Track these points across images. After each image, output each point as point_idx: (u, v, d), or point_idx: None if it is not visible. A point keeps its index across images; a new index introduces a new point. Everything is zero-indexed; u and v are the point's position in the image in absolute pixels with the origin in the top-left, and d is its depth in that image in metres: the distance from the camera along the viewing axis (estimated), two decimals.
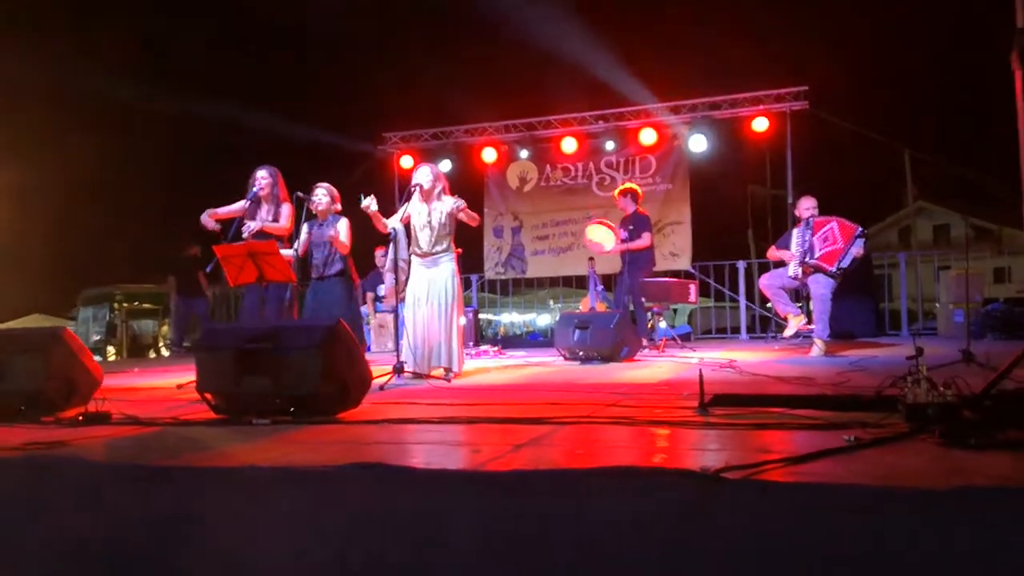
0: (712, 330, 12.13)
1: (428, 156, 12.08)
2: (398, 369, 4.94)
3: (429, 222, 5.33)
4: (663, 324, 8.66)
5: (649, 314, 8.36)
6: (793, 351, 7.11)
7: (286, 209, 5.82)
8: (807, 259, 6.59)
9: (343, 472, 2.09)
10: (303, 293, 5.97)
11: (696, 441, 2.46)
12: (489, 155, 12.49)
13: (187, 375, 5.40)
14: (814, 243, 6.59)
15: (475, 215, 5.53)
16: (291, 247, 5.72)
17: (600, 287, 11.64)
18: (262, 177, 5.73)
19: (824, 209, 6.87)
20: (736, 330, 11.51)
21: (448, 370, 5.26)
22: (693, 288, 8.69)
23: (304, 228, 5.77)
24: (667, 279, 8.97)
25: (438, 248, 5.35)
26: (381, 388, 4.46)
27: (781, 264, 6.91)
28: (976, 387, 2.48)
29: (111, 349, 14.62)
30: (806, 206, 6.85)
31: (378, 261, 9.97)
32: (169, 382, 5.54)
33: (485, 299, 13.84)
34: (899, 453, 2.10)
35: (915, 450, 2.13)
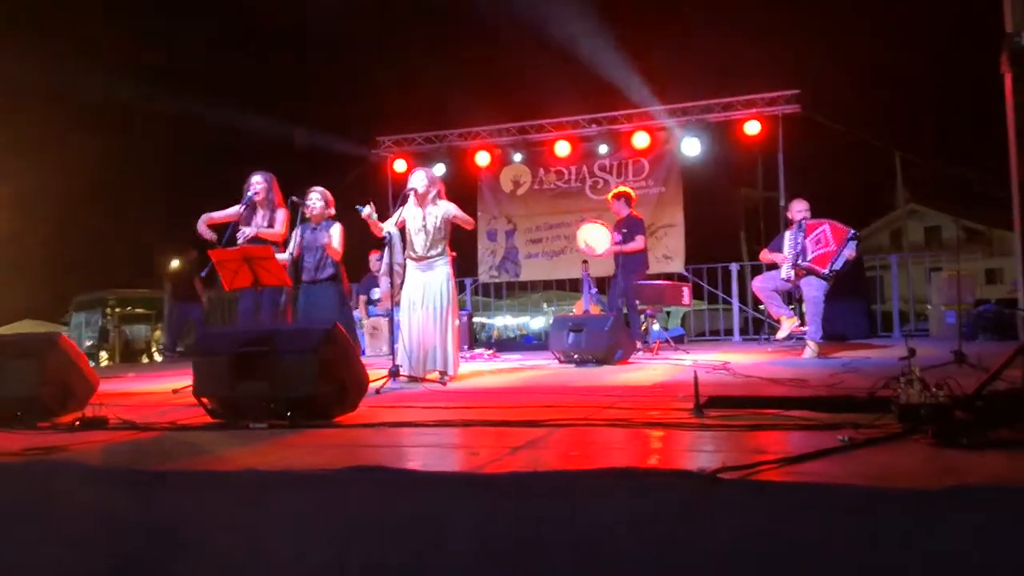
0: (705, 332, 12.17)
1: (421, 160, 12.09)
2: (394, 373, 4.95)
3: (424, 226, 5.35)
4: (656, 327, 8.69)
5: (643, 317, 8.39)
6: (786, 353, 7.15)
7: (281, 215, 5.83)
8: (800, 261, 6.62)
9: (342, 475, 2.10)
10: (295, 296, 5.98)
11: (692, 442, 2.49)
12: (482, 159, 12.52)
13: (182, 380, 5.40)
14: (807, 245, 6.63)
15: (469, 219, 5.55)
16: (286, 252, 5.73)
17: (594, 290, 11.66)
18: (257, 182, 5.74)
19: (816, 212, 6.91)
20: (729, 332, 11.56)
21: (443, 373, 5.27)
22: (686, 291, 8.73)
23: (297, 231, 5.78)
24: (660, 282, 9.01)
25: (433, 252, 5.37)
26: (377, 392, 4.47)
27: (774, 267, 6.95)
28: (968, 388, 2.51)
29: (104, 354, 14.59)
30: (798, 209, 6.89)
31: (372, 265, 9.98)
32: (164, 387, 5.54)
33: (479, 302, 13.85)
34: (892, 453, 2.12)
35: (908, 450, 2.15)
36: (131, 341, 14.78)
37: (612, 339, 6.48)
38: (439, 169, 11.95)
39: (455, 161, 12.61)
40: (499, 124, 12.53)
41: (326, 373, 3.18)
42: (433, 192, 5.41)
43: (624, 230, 8.15)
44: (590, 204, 11.79)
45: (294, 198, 5.74)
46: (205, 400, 3.35)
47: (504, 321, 18.30)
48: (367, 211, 5.27)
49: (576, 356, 6.60)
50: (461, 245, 5.73)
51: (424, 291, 5.33)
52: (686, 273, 11.42)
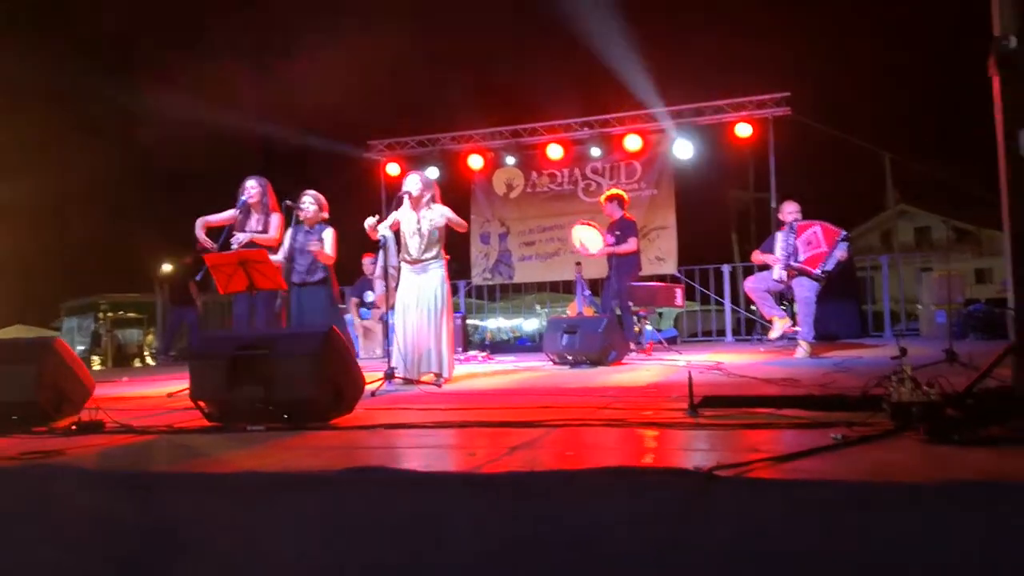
0: (698, 333, 12.22)
1: (414, 163, 12.10)
2: (389, 375, 4.97)
3: (419, 229, 5.37)
4: (648, 327, 8.73)
5: (636, 318, 8.42)
6: (778, 353, 7.19)
7: (275, 219, 5.84)
8: (791, 262, 6.67)
9: (341, 476, 2.11)
10: (288, 299, 5.99)
11: (687, 441, 2.51)
12: (475, 162, 12.54)
13: (177, 384, 5.40)
14: (798, 246, 6.67)
15: (462, 222, 5.57)
16: (279, 254, 5.74)
17: (587, 292, 11.70)
18: (251, 187, 5.75)
19: (807, 213, 6.96)
20: (722, 333, 11.60)
21: (438, 375, 5.29)
22: (679, 292, 8.77)
23: (289, 232, 5.79)
24: (653, 283, 9.04)
25: (427, 255, 5.39)
26: (373, 394, 4.49)
27: (766, 268, 6.99)
28: (959, 386, 2.54)
29: (96, 359, 14.55)
30: (789, 210, 6.94)
31: (366, 268, 9.99)
32: (159, 391, 5.54)
33: (472, 305, 13.87)
34: (885, 450, 2.15)
35: (900, 447, 2.18)
36: (123, 345, 14.74)
37: (606, 340, 6.50)
38: (433, 172, 11.97)
39: (448, 164, 12.62)
40: (491, 127, 12.55)
41: (323, 376, 3.19)
42: (428, 196, 5.43)
43: (617, 232, 8.19)
44: (583, 206, 11.82)
45: (288, 202, 5.75)
46: (202, 403, 3.35)
47: (497, 323, 18.31)
48: (372, 222, 5.30)
49: (570, 357, 6.63)
50: (455, 248, 5.76)
51: (419, 294, 5.35)
52: (678, 274, 11.46)
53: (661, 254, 11.66)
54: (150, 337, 15.06)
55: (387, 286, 5.51)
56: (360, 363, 3.81)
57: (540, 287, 13.41)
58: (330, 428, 3.15)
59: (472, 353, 9.22)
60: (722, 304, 11.34)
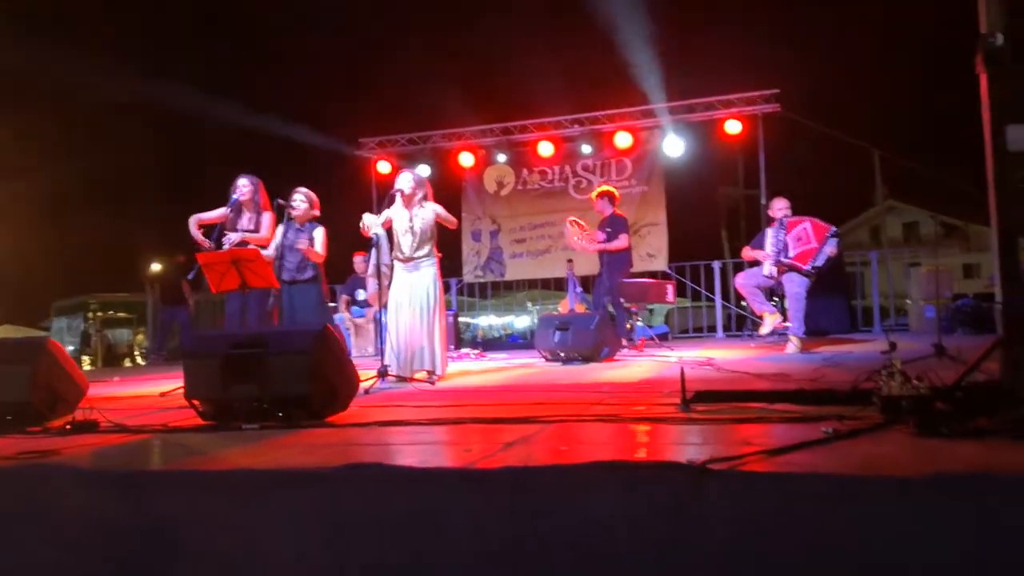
0: (689, 329, 12.28)
1: (405, 161, 12.11)
2: (382, 373, 4.98)
3: (411, 227, 5.38)
4: (640, 324, 8.76)
5: (627, 314, 8.45)
6: (769, 349, 7.23)
7: (267, 218, 5.84)
8: (782, 258, 6.71)
9: (337, 473, 2.13)
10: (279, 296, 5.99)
11: (680, 436, 2.53)
12: (466, 159, 12.55)
13: (169, 383, 5.40)
14: (788, 242, 6.72)
15: (452, 218, 5.58)
16: (270, 248, 5.74)
17: (579, 289, 11.74)
18: (243, 185, 5.74)
19: (796, 209, 7.00)
20: (712, 329, 11.67)
21: (432, 373, 5.30)
22: (670, 288, 8.80)
23: (280, 229, 5.79)
24: (645, 280, 9.08)
25: (420, 253, 5.40)
26: (366, 392, 4.49)
27: (756, 264, 7.03)
28: (948, 380, 2.58)
29: (86, 359, 14.50)
30: (779, 207, 6.98)
31: (357, 266, 9.99)
32: (151, 390, 5.53)
33: (464, 302, 13.89)
34: (875, 443, 2.18)
35: (891, 440, 2.21)
36: (113, 345, 14.70)
37: (598, 337, 6.53)
38: (424, 170, 11.98)
39: (439, 162, 12.63)
40: (482, 125, 12.57)
41: (317, 373, 3.20)
42: (420, 194, 5.44)
43: (608, 229, 8.21)
44: (574, 203, 11.85)
45: (280, 200, 5.75)
46: (196, 402, 3.36)
47: (489, 321, 18.33)
48: (368, 223, 5.31)
49: (562, 354, 6.65)
50: (446, 246, 5.77)
51: (411, 292, 5.36)
52: (669, 271, 11.51)
53: (652, 251, 11.70)
54: (140, 337, 15.01)
55: (380, 284, 5.51)
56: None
57: (531, 284, 13.45)
58: (325, 426, 3.16)
59: (465, 351, 9.23)
60: (713, 300, 11.40)
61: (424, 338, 5.32)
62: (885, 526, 1.53)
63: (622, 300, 8.20)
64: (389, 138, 12.98)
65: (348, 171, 13.28)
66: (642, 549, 1.63)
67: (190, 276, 5.49)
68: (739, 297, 8.09)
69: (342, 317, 9.85)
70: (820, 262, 6.60)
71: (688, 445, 2.38)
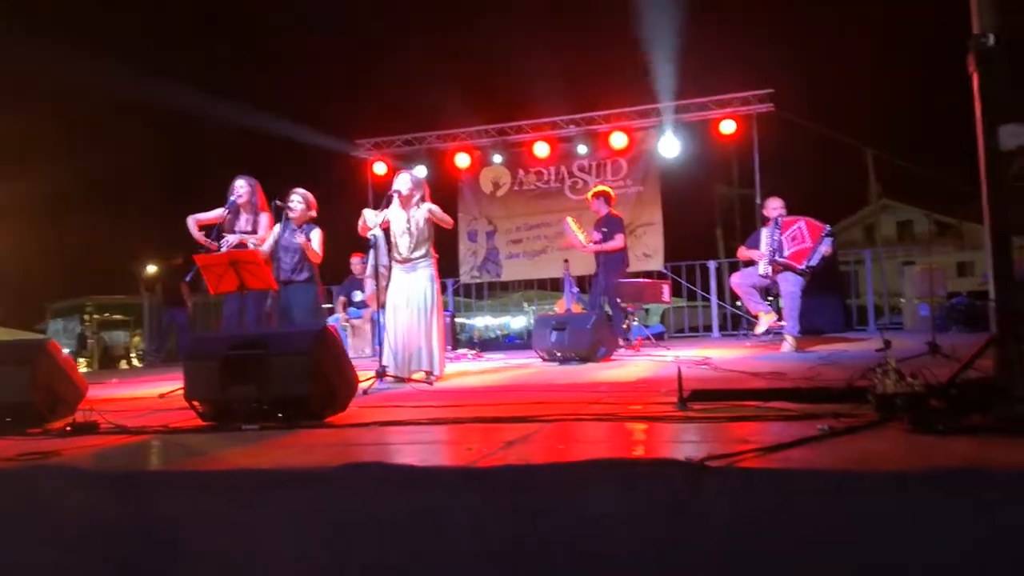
0: (685, 329, 12.31)
1: (401, 162, 12.12)
2: (380, 373, 5.00)
3: (408, 228, 5.40)
4: (636, 323, 8.79)
5: (624, 314, 8.48)
6: (765, 348, 7.26)
7: (264, 219, 5.85)
8: (777, 258, 6.74)
9: (338, 473, 2.14)
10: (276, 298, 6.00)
11: (678, 434, 2.56)
12: (462, 160, 12.56)
13: (167, 385, 5.41)
14: (783, 242, 6.74)
15: (447, 217, 5.58)
16: (264, 245, 5.75)
17: (575, 289, 11.76)
18: (240, 186, 5.76)
19: (791, 208, 7.03)
20: (708, 328, 11.69)
21: (429, 373, 5.32)
22: (666, 288, 8.83)
23: (276, 228, 5.80)
24: (641, 280, 9.11)
25: (417, 254, 5.42)
26: (364, 392, 4.51)
27: (751, 263, 7.06)
28: (942, 377, 2.60)
29: (82, 361, 14.47)
30: (774, 206, 7.01)
31: (355, 268, 9.99)
32: (149, 392, 5.54)
33: (460, 303, 13.90)
34: (871, 440, 2.20)
35: (886, 437, 2.24)
36: (110, 347, 14.67)
37: (595, 337, 6.55)
38: (420, 171, 11.98)
39: (435, 163, 12.64)
40: (478, 126, 12.58)
41: (317, 374, 3.22)
42: (418, 195, 5.45)
43: (604, 229, 8.23)
44: (570, 204, 11.87)
45: (278, 202, 5.76)
46: (196, 403, 3.37)
47: (485, 321, 18.34)
48: (369, 222, 5.33)
49: (559, 354, 6.67)
50: (442, 247, 5.78)
51: (409, 293, 5.37)
52: (665, 271, 11.54)
53: (648, 250, 11.73)
54: (136, 339, 14.99)
55: (378, 285, 5.53)
56: None
57: (527, 285, 13.46)
58: (324, 426, 3.18)
59: (462, 351, 9.24)
60: (708, 300, 11.43)
61: (422, 339, 5.33)
62: (883, 522, 1.55)
63: (618, 300, 8.22)
64: (385, 139, 12.98)
65: (344, 172, 13.29)
66: (642, 547, 1.65)
67: (188, 278, 5.50)
68: (735, 296, 8.13)
69: (338, 318, 9.86)
70: (815, 261, 6.63)
71: (686, 443, 2.40)
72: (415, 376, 5.31)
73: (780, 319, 6.90)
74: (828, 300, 9.77)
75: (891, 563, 1.53)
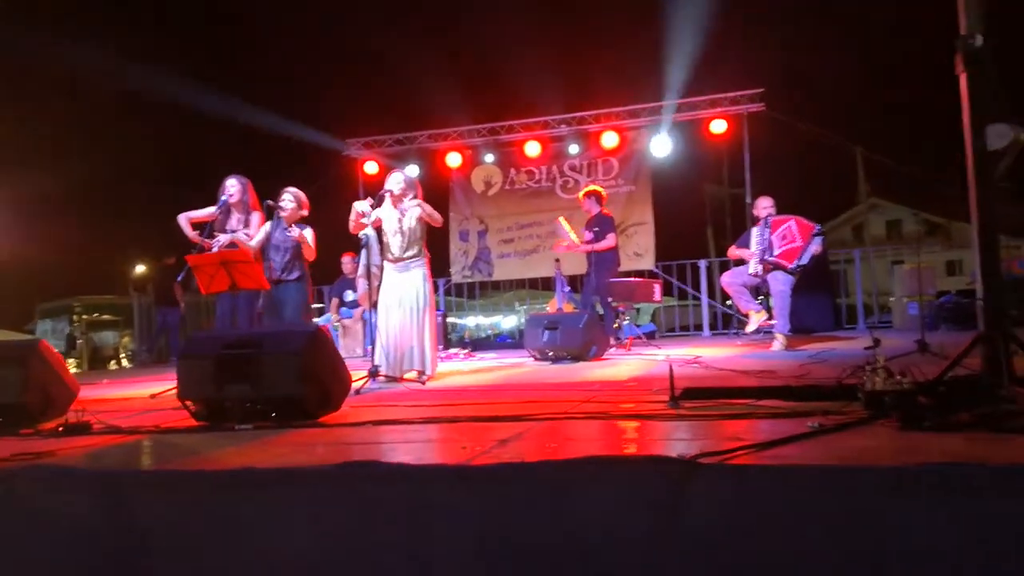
0: (676, 328, 12.34)
1: (392, 162, 12.11)
2: (373, 373, 5.00)
3: (400, 228, 5.40)
4: (627, 323, 8.81)
5: (615, 313, 8.51)
6: (755, 346, 7.30)
7: (256, 218, 5.84)
8: (767, 257, 6.77)
9: (333, 471, 2.15)
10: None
11: (670, 432, 2.58)
12: (454, 160, 12.56)
13: (158, 385, 5.40)
14: (773, 241, 6.78)
15: (437, 215, 5.57)
16: (253, 240, 5.74)
17: (567, 288, 11.78)
18: (232, 185, 5.74)
19: (781, 208, 7.07)
20: (699, 327, 11.73)
21: (422, 373, 5.32)
22: (658, 287, 8.86)
23: (266, 227, 5.79)
24: (632, 279, 9.13)
25: (409, 253, 5.42)
26: (357, 392, 4.51)
27: (741, 262, 7.09)
28: (930, 375, 2.64)
29: (71, 361, 14.41)
30: (764, 205, 7.04)
31: (346, 268, 9.98)
32: (140, 392, 5.52)
33: (451, 302, 13.90)
34: (860, 437, 2.23)
35: (875, 433, 2.27)
36: (99, 348, 14.60)
37: (587, 336, 6.57)
38: (412, 170, 11.99)
39: (426, 162, 12.64)
40: (469, 125, 12.58)
41: (310, 374, 3.23)
42: (410, 195, 5.45)
43: (595, 228, 8.25)
44: (561, 203, 11.89)
45: (269, 202, 5.76)
46: (189, 403, 3.37)
47: (476, 321, 18.35)
48: (366, 223, 5.32)
49: (551, 353, 6.69)
50: (434, 246, 5.79)
51: (401, 292, 5.38)
52: (656, 270, 11.57)
53: (639, 250, 11.76)
54: (126, 339, 14.93)
55: (370, 285, 5.53)
56: None
57: (519, 284, 13.48)
58: (318, 425, 3.18)
59: (453, 351, 9.25)
60: (699, 299, 11.47)
61: (414, 338, 5.34)
62: (873, 517, 1.57)
63: (610, 299, 8.25)
64: (376, 139, 12.96)
65: (335, 172, 13.24)
66: (635, 543, 1.67)
67: (179, 278, 5.49)
68: (725, 296, 8.15)
69: (329, 318, 9.86)
70: (805, 260, 6.67)
71: (678, 440, 2.42)
72: (408, 376, 5.31)
73: (770, 318, 6.93)
74: (818, 299, 9.83)
75: (882, 557, 1.55)
